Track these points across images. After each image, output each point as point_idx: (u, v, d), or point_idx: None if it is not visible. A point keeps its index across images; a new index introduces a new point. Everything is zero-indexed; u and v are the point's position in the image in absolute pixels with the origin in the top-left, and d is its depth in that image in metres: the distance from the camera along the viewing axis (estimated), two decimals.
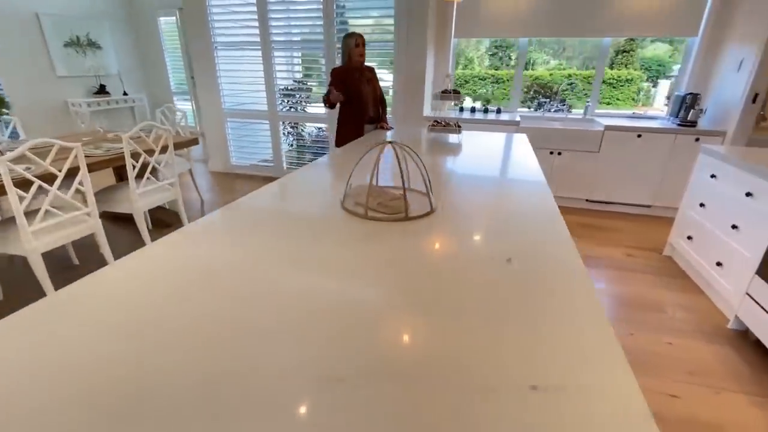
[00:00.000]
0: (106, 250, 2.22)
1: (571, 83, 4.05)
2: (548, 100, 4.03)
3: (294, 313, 0.70)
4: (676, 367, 1.73)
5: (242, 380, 0.54)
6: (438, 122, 2.51)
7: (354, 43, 2.60)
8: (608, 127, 3.30)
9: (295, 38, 3.99)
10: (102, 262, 1.65)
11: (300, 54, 4.11)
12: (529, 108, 4.11)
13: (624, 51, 4.11)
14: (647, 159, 3.30)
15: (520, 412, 0.50)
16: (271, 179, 4.51)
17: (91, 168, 2.20)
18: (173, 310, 0.70)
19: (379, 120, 2.96)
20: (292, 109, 4.42)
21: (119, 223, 3.12)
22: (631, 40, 3.96)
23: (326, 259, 0.90)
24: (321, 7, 3.69)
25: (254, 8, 3.87)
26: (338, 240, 1.01)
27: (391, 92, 3.80)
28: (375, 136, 2.60)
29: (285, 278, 0.82)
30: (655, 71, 4.09)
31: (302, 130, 4.67)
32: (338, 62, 3.74)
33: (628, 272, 2.55)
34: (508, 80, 4.14)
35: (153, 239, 1.06)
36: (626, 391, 0.53)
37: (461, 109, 4.01)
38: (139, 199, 2.47)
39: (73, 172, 1.98)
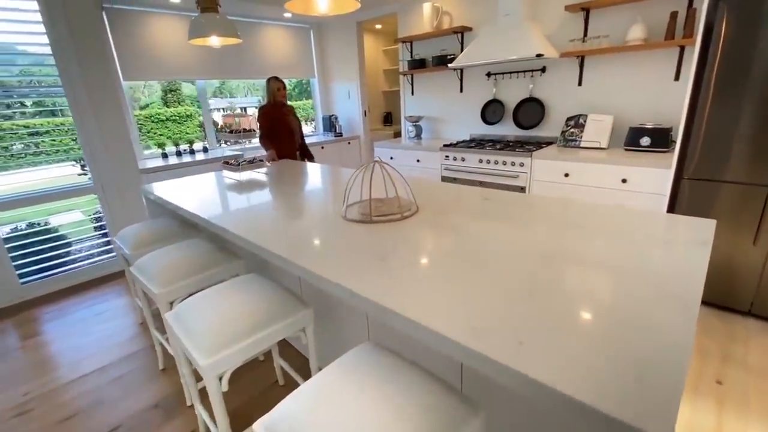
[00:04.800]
0: None
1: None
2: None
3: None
4: None
5: None
6: (229, 162, 2.46)
7: (278, 87, 3.19)
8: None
9: None
10: None
11: None
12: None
13: (171, 90, 4.09)
14: (337, 158, 4.63)
15: None
16: None
17: None
18: None
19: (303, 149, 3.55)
20: None
21: None
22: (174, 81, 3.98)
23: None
24: None
25: None
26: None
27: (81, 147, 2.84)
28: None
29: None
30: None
31: None
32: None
33: None
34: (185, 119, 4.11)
35: None
36: None
37: (164, 156, 3.63)
38: None
39: None
